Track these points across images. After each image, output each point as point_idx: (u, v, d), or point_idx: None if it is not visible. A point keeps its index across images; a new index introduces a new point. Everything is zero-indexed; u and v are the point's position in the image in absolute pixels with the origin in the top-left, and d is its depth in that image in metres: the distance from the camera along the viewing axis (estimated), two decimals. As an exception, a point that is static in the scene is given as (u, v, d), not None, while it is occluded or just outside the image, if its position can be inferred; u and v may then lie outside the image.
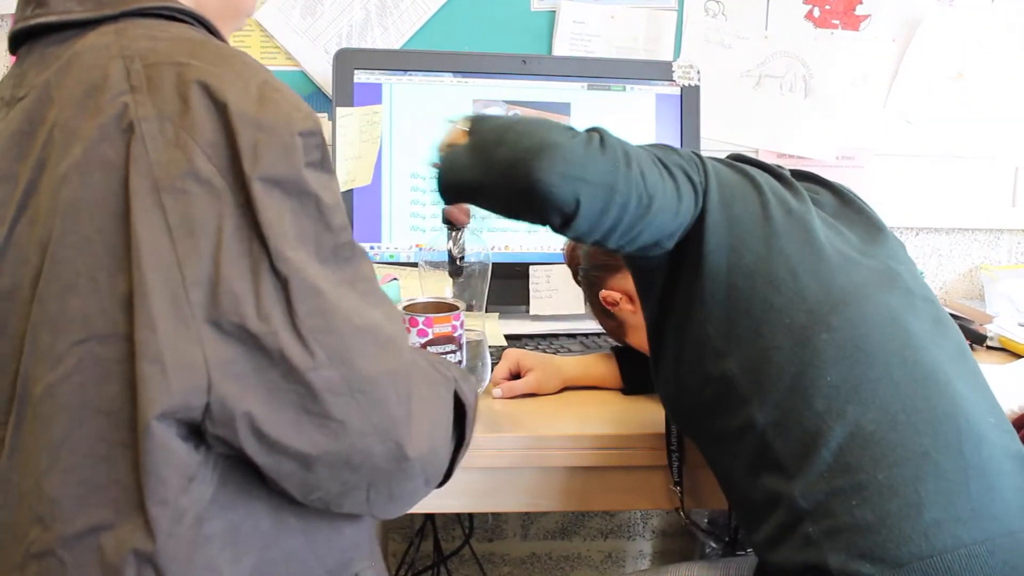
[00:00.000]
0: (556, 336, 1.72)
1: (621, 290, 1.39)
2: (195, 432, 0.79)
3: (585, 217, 1.00)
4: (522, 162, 0.98)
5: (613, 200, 1.00)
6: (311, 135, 0.83)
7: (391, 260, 1.78)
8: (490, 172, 1.03)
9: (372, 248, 1.78)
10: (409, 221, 1.80)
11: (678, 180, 1.07)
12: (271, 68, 1.97)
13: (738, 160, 1.22)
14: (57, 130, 0.81)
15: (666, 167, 1.07)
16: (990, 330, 1.85)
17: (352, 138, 1.75)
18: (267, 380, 0.78)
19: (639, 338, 1.36)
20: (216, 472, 0.82)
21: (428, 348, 1.24)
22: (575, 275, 1.51)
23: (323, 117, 1.96)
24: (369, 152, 1.76)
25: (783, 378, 1.01)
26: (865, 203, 1.23)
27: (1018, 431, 1.24)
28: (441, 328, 1.26)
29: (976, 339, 1.81)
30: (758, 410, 1.02)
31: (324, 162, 0.85)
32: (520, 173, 0.98)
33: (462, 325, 1.27)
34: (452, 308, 1.27)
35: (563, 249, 1.56)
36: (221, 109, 0.79)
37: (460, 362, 1.27)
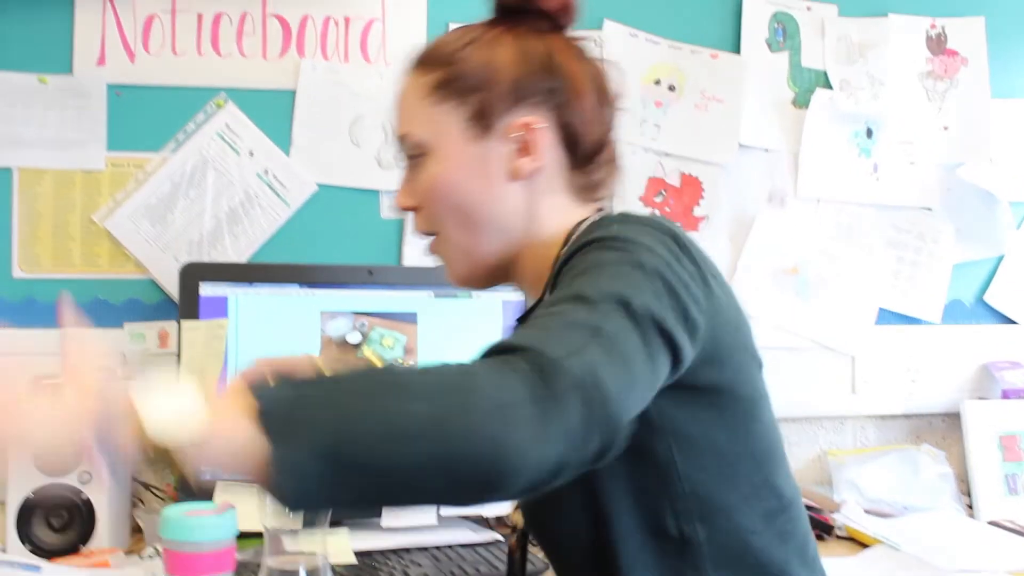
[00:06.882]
0: (408, 551, 1.67)
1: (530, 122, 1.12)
2: None
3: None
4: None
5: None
6: None
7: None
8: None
9: (218, 463, 1.73)
10: (254, 435, 1.76)
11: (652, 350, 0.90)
12: (119, 276, 1.96)
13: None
14: None
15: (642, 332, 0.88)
16: (836, 520, 1.88)
17: (197, 352, 1.73)
18: None
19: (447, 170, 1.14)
20: None
21: None
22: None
23: (171, 326, 1.93)
24: (213, 366, 1.74)
25: None
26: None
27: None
28: None
29: (824, 529, 1.84)
30: None
31: None
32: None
33: None
34: None
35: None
36: None
37: None
